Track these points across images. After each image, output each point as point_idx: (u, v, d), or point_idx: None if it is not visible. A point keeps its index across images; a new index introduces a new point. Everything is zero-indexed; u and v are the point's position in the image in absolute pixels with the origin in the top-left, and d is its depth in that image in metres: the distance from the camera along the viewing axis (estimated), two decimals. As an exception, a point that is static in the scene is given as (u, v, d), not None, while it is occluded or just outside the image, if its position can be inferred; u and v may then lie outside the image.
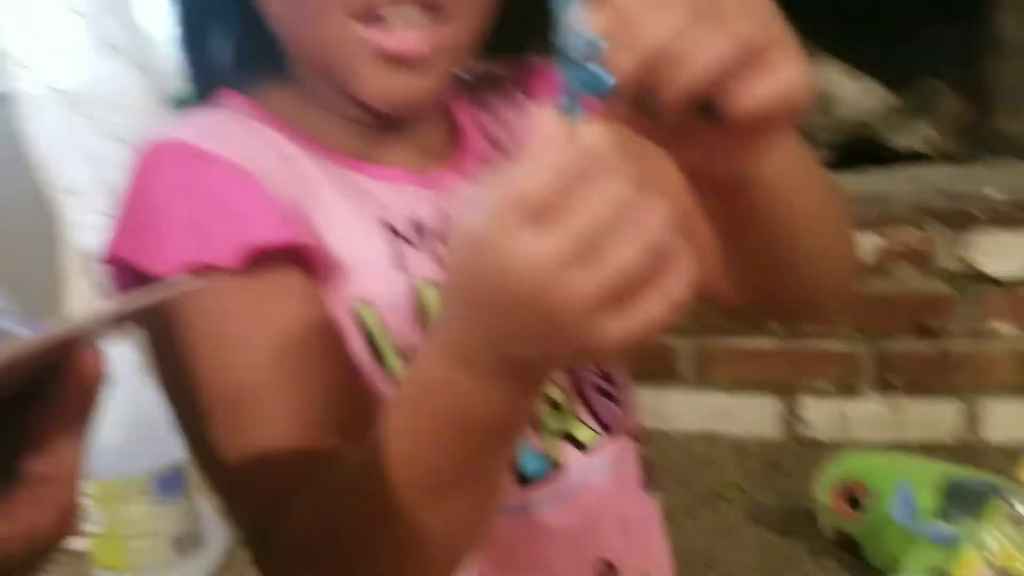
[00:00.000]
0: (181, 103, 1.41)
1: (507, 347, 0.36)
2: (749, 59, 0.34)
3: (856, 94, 2.01)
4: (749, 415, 1.65)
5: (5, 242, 1.40)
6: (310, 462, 0.44)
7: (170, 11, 0.56)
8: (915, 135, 1.89)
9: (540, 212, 0.32)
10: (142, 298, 0.37)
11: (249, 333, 0.46)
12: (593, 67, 0.34)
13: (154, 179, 0.48)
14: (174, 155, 0.48)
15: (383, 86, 0.49)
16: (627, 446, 0.55)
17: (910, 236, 1.55)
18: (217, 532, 1.39)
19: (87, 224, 1.27)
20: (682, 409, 1.63)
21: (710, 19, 0.33)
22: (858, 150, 1.90)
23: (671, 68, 0.33)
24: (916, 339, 1.56)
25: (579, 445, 0.52)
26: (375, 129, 0.52)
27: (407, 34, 0.47)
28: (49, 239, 1.42)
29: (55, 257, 1.42)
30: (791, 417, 1.64)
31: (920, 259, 1.55)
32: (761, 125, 0.36)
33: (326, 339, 0.48)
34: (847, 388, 1.60)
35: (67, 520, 0.38)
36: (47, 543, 0.37)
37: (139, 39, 1.32)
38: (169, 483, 1.29)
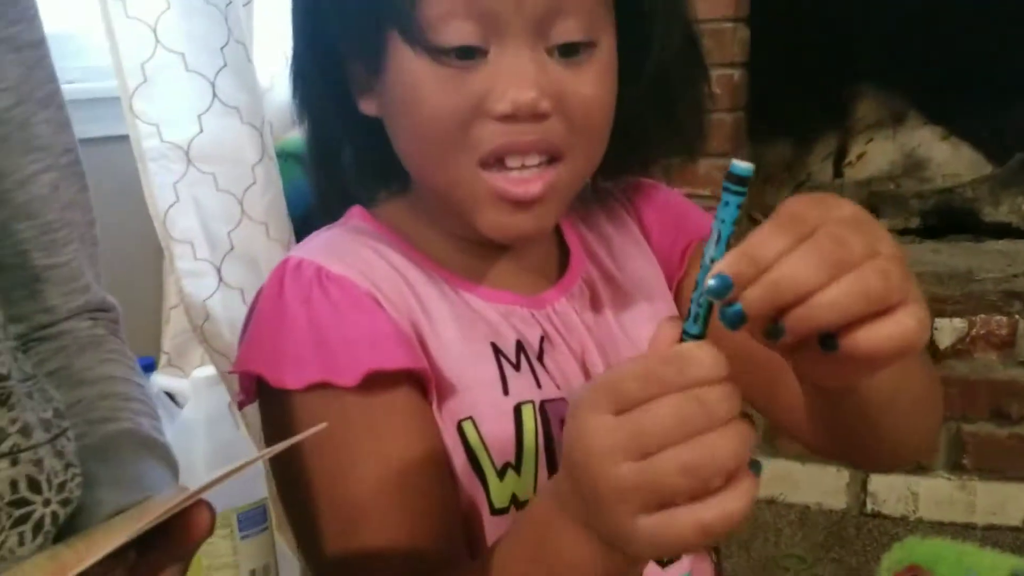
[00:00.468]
0: (286, 158, 1.49)
1: (579, 505, 0.39)
2: (873, 309, 0.35)
3: (952, 160, 2.00)
4: (816, 485, 1.65)
5: (115, 277, 1.49)
6: (418, 571, 0.48)
7: (293, 107, 0.60)
8: (1009, 208, 1.87)
9: (624, 401, 0.36)
10: (263, 455, 0.43)
11: (364, 452, 0.50)
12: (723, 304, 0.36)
13: (282, 298, 0.52)
14: (302, 276, 0.52)
15: (502, 224, 0.53)
16: (705, 558, 0.58)
17: (995, 322, 1.54)
18: (292, 564, 1.45)
19: (193, 271, 1.35)
20: (749, 478, 1.63)
21: (839, 267, 0.35)
22: (950, 219, 1.89)
23: (800, 311, 0.35)
24: (991, 423, 1.55)
25: (659, 562, 0.56)
26: (488, 252, 0.57)
27: (526, 179, 0.51)
28: (157, 280, 1.50)
29: (160, 298, 1.50)
30: (859, 490, 1.64)
31: (1003, 345, 1.54)
32: (876, 362, 0.37)
33: (433, 455, 0.51)
34: (918, 465, 1.59)
35: None
36: None
37: (252, 97, 1.40)
38: (252, 519, 1.34)
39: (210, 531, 0.42)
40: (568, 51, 0.51)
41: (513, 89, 0.49)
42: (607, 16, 0.52)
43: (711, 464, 0.35)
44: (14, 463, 0.44)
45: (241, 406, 0.57)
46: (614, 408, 0.36)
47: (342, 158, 0.60)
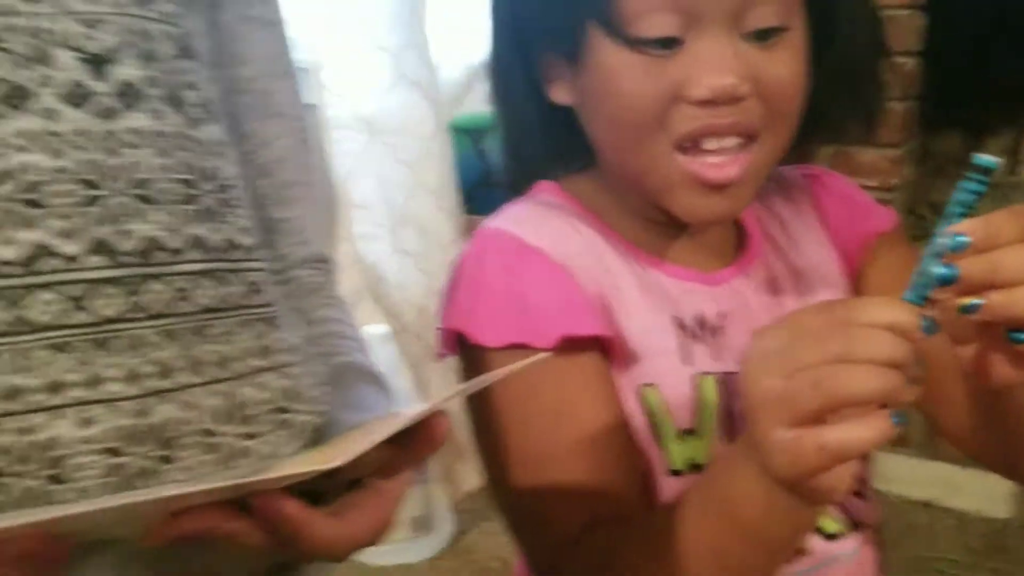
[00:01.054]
0: (459, 132, 1.55)
1: (750, 437, 0.41)
2: None
3: None
4: (977, 490, 1.61)
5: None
6: (598, 515, 0.52)
7: (492, 108, 0.64)
8: None
9: (795, 328, 0.38)
10: (488, 378, 0.48)
11: (553, 405, 0.54)
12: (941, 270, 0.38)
13: (484, 264, 0.55)
14: (502, 245, 0.55)
15: (697, 207, 0.54)
16: (869, 535, 0.60)
17: None
18: (445, 519, 1.53)
19: (370, 235, 1.44)
20: (907, 474, 1.61)
21: None
22: None
23: (1004, 296, 0.37)
24: None
25: (826, 535, 0.57)
26: (671, 230, 0.59)
27: (722, 162, 0.52)
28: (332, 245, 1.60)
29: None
30: (1022, 497, 1.58)
31: None
32: None
33: (615, 415, 0.55)
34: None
35: (385, 527, 0.49)
36: (367, 542, 0.48)
37: (431, 73, 1.47)
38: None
39: (447, 436, 0.47)
40: (762, 36, 0.52)
41: (711, 75, 0.51)
42: (797, 1, 0.53)
43: (842, 388, 0.37)
44: (280, 376, 0.51)
45: (441, 357, 0.62)
46: (785, 333, 0.39)
47: (531, 139, 0.63)
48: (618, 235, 0.58)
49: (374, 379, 0.62)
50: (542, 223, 0.57)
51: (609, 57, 0.53)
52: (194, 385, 0.48)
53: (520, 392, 0.54)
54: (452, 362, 0.65)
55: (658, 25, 0.51)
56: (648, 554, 0.49)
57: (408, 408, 0.44)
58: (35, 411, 0.44)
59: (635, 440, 0.55)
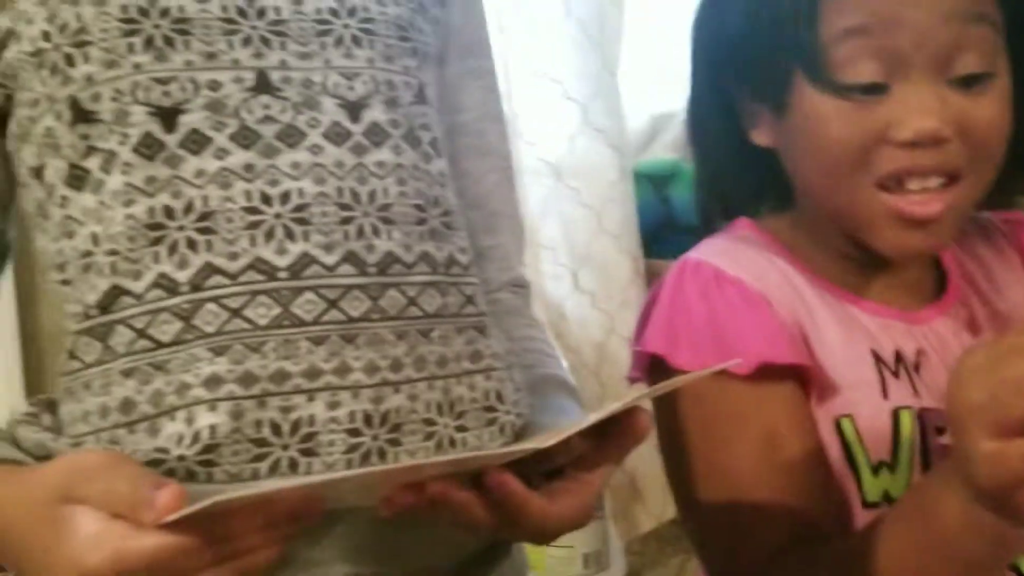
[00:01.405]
0: (642, 178, 1.61)
1: (956, 460, 0.40)
2: None
3: None
4: None
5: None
6: (792, 537, 0.53)
7: (693, 152, 0.69)
8: None
9: (1001, 345, 0.37)
10: (671, 384, 0.53)
11: (750, 429, 0.56)
12: None
13: (684, 291, 0.59)
14: (701, 274, 0.59)
15: (899, 242, 0.56)
16: None
17: None
18: (619, 558, 1.56)
19: (554, 274, 1.52)
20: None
21: None
22: None
23: None
24: None
25: (1020, 573, 0.57)
26: (869, 267, 0.60)
27: (925, 199, 0.54)
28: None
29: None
30: None
31: None
32: None
33: (811, 443, 0.56)
34: None
35: (586, 515, 0.54)
36: (571, 526, 0.53)
37: (617, 122, 1.55)
38: None
39: (646, 434, 0.51)
40: (967, 82, 0.54)
41: (916, 119, 0.53)
42: (1002, 47, 0.55)
43: None
44: (487, 378, 0.59)
45: (632, 381, 0.67)
46: (993, 350, 0.38)
47: (728, 178, 0.67)
48: (814, 271, 0.60)
49: (570, 390, 0.68)
50: (740, 255, 0.60)
51: (815, 103, 0.56)
52: (417, 380, 0.56)
53: (721, 415, 0.57)
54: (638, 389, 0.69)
55: (865, 72, 0.54)
56: (844, 574, 0.50)
57: (604, 408, 0.50)
58: (295, 392, 0.53)
59: (830, 470, 0.56)
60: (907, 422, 0.56)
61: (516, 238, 0.78)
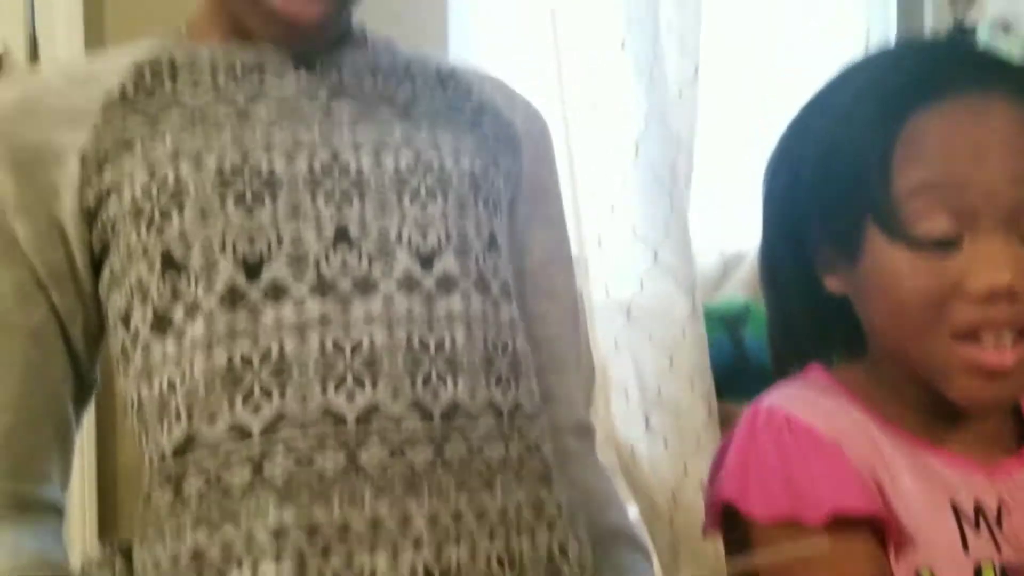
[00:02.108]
0: (713, 318, 1.60)
1: None
2: None
3: None
4: None
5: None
6: None
7: (765, 302, 0.69)
8: None
9: None
10: (773, 556, 0.51)
11: None
12: None
13: (756, 439, 0.58)
14: (774, 421, 0.58)
15: (973, 393, 0.56)
16: None
17: None
18: None
19: (625, 416, 1.50)
20: None
21: None
22: None
23: None
24: None
25: None
26: (945, 418, 0.60)
27: (999, 351, 0.54)
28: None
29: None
30: None
31: None
32: None
33: None
34: None
35: None
36: None
37: (687, 263, 1.56)
38: None
39: None
40: None
41: (989, 274, 0.53)
42: None
43: None
44: (550, 531, 0.58)
45: (706, 534, 0.65)
46: None
47: (801, 325, 0.67)
48: (889, 419, 0.59)
49: (637, 545, 0.66)
50: (813, 402, 0.60)
51: (888, 255, 0.56)
52: (478, 533, 0.55)
53: (796, 567, 0.55)
54: (704, 547, 0.67)
55: (939, 227, 0.55)
56: None
57: None
58: (358, 543, 0.52)
59: None
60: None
61: (581, 381, 0.78)
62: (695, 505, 1.43)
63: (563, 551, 0.58)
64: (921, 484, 0.57)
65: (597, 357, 1.50)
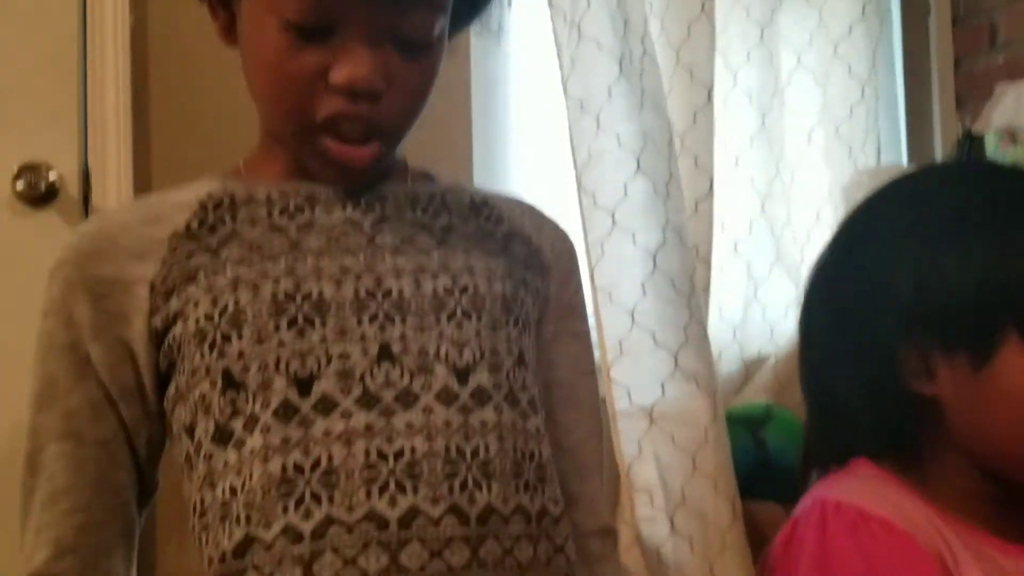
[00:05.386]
0: (735, 421, 1.65)
1: None
2: None
3: None
4: None
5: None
6: None
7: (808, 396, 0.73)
8: None
9: None
10: None
11: None
12: None
13: (829, 531, 0.60)
14: (844, 513, 0.60)
15: None
16: None
17: None
18: None
19: (650, 518, 1.53)
20: None
21: None
22: None
23: None
24: None
25: None
26: (1005, 508, 0.62)
27: None
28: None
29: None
30: None
31: None
32: None
33: None
34: None
35: None
36: None
37: (708, 368, 1.60)
38: None
39: None
40: None
41: None
42: None
43: None
44: None
45: None
46: None
47: (860, 423, 0.70)
48: (947, 508, 0.62)
49: None
50: (880, 494, 0.62)
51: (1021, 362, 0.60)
52: None
53: None
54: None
55: None
56: None
57: None
58: None
59: None
60: None
61: (604, 487, 0.82)
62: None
63: None
64: (984, 572, 0.60)
65: (621, 462, 1.54)
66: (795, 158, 1.99)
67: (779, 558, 0.64)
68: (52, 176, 1.47)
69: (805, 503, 0.64)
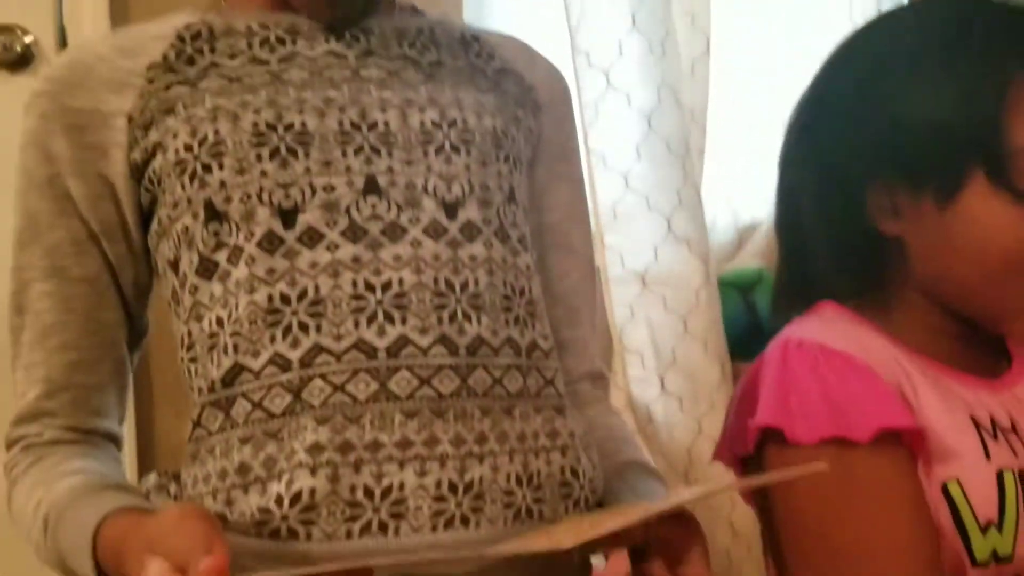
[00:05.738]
0: (727, 286, 1.66)
1: None
2: None
3: None
4: None
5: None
6: None
7: (780, 243, 0.73)
8: None
9: None
10: (768, 478, 0.55)
11: (869, 500, 0.59)
12: None
13: (791, 367, 0.63)
14: (806, 349, 0.63)
15: None
16: None
17: None
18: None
19: (642, 379, 1.55)
20: None
21: None
22: None
23: None
24: None
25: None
26: (959, 342, 0.64)
27: None
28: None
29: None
30: None
31: None
32: None
33: (924, 508, 0.59)
34: None
35: None
36: None
37: (701, 232, 1.60)
38: None
39: (696, 540, 0.54)
40: None
41: None
42: None
43: None
44: (563, 455, 0.63)
45: (718, 459, 0.69)
46: None
47: (822, 265, 0.70)
48: (907, 344, 0.64)
49: (653, 472, 0.71)
50: (840, 331, 0.65)
51: (990, 205, 0.60)
52: (499, 453, 0.60)
53: (833, 489, 0.60)
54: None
55: None
56: None
57: (685, 491, 0.52)
58: (388, 461, 0.58)
59: (940, 533, 0.59)
60: (1010, 484, 0.60)
61: (595, 333, 0.82)
62: (709, 460, 1.49)
63: (575, 473, 0.63)
64: (943, 402, 0.62)
65: (613, 325, 1.55)
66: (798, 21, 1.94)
67: (744, 397, 0.66)
68: (27, 39, 1.44)
69: (771, 345, 0.66)
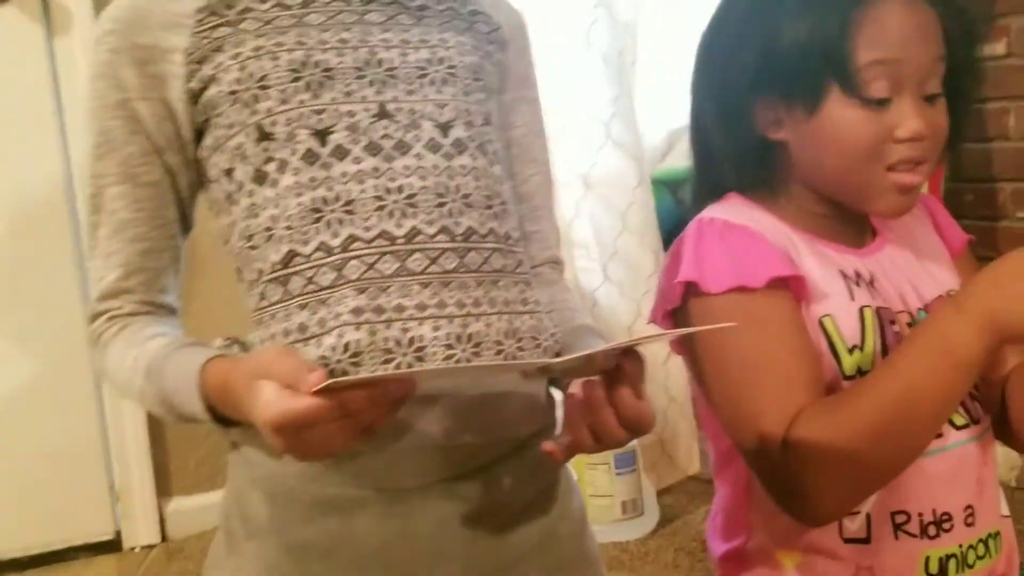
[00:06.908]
0: (659, 184, 1.86)
1: (983, 303, 0.64)
2: None
3: None
4: None
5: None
6: (812, 399, 0.72)
7: (691, 149, 0.90)
8: None
9: None
10: (692, 331, 0.75)
11: (772, 328, 0.74)
12: None
13: (704, 237, 0.77)
14: (715, 224, 0.77)
15: (896, 205, 0.77)
16: (986, 427, 0.79)
17: None
18: (653, 505, 1.77)
19: (587, 268, 1.76)
20: None
21: None
22: None
23: None
24: None
25: (954, 425, 0.77)
26: (836, 223, 0.81)
27: (912, 175, 0.76)
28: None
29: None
30: None
31: None
32: None
33: (807, 337, 0.75)
34: None
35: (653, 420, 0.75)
36: (647, 427, 0.74)
37: (636, 137, 1.79)
38: (625, 461, 1.70)
39: (636, 372, 0.70)
40: (931, 99, 0.76)
41: (911, 124, 0.74)
42: (941, 74, 0.78)
43: None
44: (532, 317, 0.82)
45: (653, 319, 0.87)
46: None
47: (725, 168, 0.83)
48: (794, 223, 0.80)
49: (598, 332, 0.91)
50: (741, 212, 0.80)
51: (844, 111, 0.75)
52: (490, 314, 0.79)
53: (748, 318, 0.74)
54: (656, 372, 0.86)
55: (881, 89, 0.75)
56: (868, 393, 0.69)
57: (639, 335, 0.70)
58: (410, 319, 0.76)
59: (819, 356, 0.76)
60: (869, 316, 0.77)
61: (554, 227, 1.00)
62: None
63: (543, 330, 0.82)
64: (819, 261, 0.79)
65: (561, 222, 1.74)
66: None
67: (671, 264, 0.80)
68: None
69: (690, 223, 0.79)
